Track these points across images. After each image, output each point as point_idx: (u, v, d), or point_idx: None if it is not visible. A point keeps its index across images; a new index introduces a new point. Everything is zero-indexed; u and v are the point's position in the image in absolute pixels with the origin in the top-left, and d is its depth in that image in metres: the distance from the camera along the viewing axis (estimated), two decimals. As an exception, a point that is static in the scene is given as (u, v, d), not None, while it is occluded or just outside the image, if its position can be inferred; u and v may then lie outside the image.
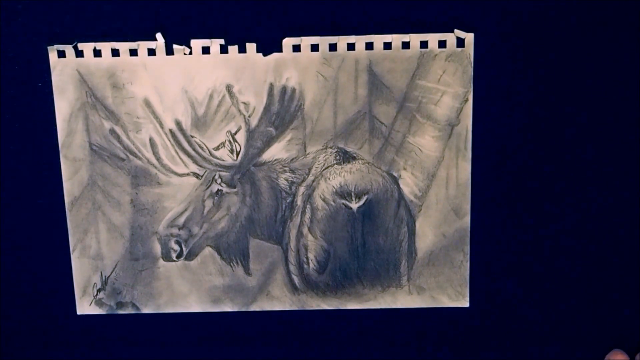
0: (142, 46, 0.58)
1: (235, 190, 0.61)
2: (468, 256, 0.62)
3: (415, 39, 0.57)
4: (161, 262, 0.62)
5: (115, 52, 0.58)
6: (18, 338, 0.65)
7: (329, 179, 0.61)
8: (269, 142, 0.60)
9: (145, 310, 0.64)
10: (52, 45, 0.58)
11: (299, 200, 0.61)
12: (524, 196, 0.61)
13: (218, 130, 0.59)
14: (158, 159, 0.60)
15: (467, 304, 0.63)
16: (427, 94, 0.59)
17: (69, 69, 0.58)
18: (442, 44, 0.58)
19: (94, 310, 0.64)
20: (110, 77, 0.58)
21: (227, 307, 0.64)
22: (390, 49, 0.58)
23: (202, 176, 0.61)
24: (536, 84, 0.58)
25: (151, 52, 0.58)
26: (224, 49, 0.58)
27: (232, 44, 0.58)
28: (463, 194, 0.61)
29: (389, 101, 0.59)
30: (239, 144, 0.60)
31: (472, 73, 0.58)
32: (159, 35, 0.57)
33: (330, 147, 0.60)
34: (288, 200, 0.61)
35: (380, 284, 0.63)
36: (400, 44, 0.58)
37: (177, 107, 0.59)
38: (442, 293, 0.63)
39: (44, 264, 0.62)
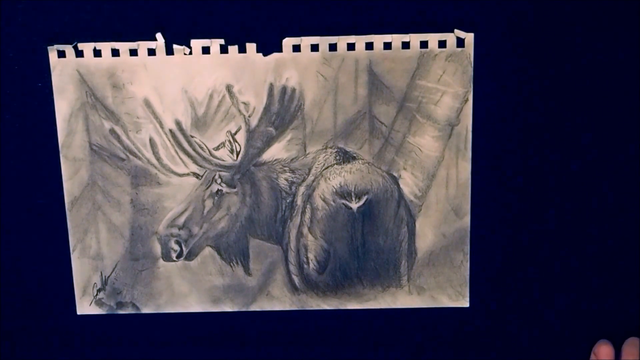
0: (142, 46, 0.58)
1: (235, 190, 0.61)
2: (468, 256, 0.62)
3: (415, 39, 0.57)
4: (161, 262, 0.62)
5: (115, 52, 0.58)
6: (18, 338, 0.65)
7: (329, 179, 0.61)
8: (269, 142, 0.60)
9: (145, 310, 0.64)
10: (52, 45, 0.58)
11: (299, 200, 0.61)
12: (524, 196, 0.61)
13: (218, 130, 0.59)
14: (158, 159, 0.60)
15: (467, 304, 0.63)
16: (427, 94, 0.59)
17: (69, 69, 0.58)
18: (442, 44, 0.58)
19: (94, 310, 0.64)
20: (110, 77, 0.58)
21: (227, 307, 0.64)
22: (390, 49, 0.58)
23: (202, 176, 0.61)
24: (536, 83, 0.58)
25: (151, 52, 0.58)
26: (224, 49, 0.58)
27: (232, 44, 0.58)
28: (463, 194, 0.61)
29: (389, 101, 0.59)
30: (239, 144, 0.60)
31: (472, 73, 0.58)
32: (159, 35, 0.57)
33: (330, 147, 0.60)
34: (288, 200, 0.61)
35: (380, 284, 0.63)
36: (400, 44, 0.58)
37: (177, 107, 0.59)
38: (442, 293, 0.63)
39: (44, 264, 0.62)
